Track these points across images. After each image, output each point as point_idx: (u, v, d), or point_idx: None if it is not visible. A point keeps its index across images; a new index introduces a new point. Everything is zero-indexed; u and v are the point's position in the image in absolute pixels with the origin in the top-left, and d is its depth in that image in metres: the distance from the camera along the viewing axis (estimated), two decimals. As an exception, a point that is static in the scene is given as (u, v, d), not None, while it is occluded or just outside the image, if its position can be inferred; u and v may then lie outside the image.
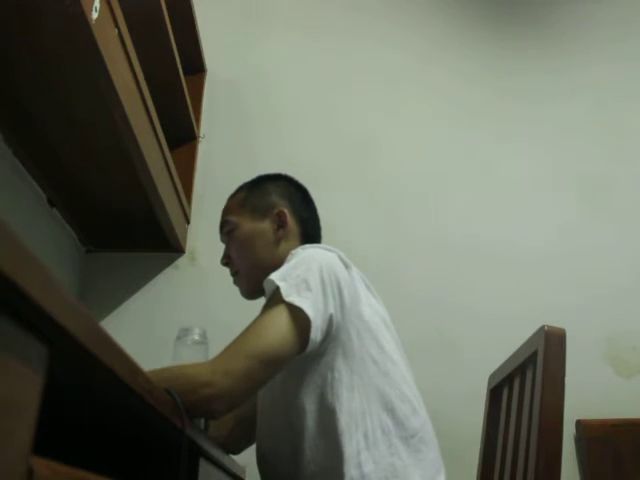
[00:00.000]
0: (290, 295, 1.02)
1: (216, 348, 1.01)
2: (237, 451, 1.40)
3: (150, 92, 1.61)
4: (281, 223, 1.27)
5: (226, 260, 1.31)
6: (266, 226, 1.27)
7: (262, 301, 1.12)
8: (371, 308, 1.16)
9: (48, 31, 1.21)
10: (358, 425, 1.06)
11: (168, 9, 1.85)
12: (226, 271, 1.32)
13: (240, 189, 1.35)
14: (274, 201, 1.29)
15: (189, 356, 1.32)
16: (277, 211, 1.27)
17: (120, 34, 1.34)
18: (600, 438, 2.06)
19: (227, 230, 1.31)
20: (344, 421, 1.06)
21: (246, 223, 1.28)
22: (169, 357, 1.38)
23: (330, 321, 1.06)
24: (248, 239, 1.27)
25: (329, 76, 2.56)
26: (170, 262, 2.24)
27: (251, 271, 1.26)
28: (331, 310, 1.06)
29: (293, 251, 1.15)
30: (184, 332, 1.40)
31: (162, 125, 1.77)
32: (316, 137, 2.46)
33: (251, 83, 2.52)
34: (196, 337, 1.39)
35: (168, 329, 1.56)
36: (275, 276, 1.06)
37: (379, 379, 1.11)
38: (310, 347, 1.02)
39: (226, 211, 1.33)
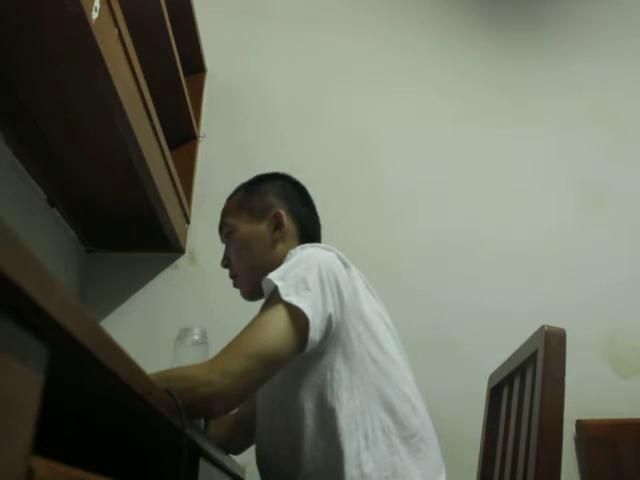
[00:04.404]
0: (288, 295, 1.02)
1: (216, 348, 1.01)
2: (237, 451, 1.40)
3: (150, 92, 1.61)
4: (278, 224, 1.26)
5: (226, 262, 1.31)
6: (263, 228, 1.26)
7: (262, 301, 1.12)
8: (371, 307, 1.15)
9: (48, 31, 1.21)
10: (358, 425, 1.06)
11: (168, 9, 1.86)
12: (226, 271, 1.32)
13: (238, 190, 1.35)
14: (271, 202, 1.29)
15: (189, 356, 1.32)
16: (274, 212, 1.27)
17: (120, 34, 1.34)
18: (600, 438, 2.06)
19: (225, 232, 1.31)
20: (344, 421, 1.05)
21: (243, 225, 1.28)
22: (169, 357, 1.38)
23: (329, 321, 1.05)
24: (245, 241, 1.27)
25: (329, 76, 2.56)
26: (170, 262, 2.24)
27: (250, 273, 1.25)
28: (330, 310, 1.05)
29: (292, 250, 1.14)
30: (184, 332, 1.40)
31: (162, 125, 1.77)
32: (316, 137, 2.46)
33: (251, 83, 2.52)
34: (196, 337, 1.39)
35: (168, 329, 1.56)
36: (273, 275, 1.06)
37: (379, 379, 1.10)
38: (309, 347, 1.02)
39: (224, 213, 1.33)
